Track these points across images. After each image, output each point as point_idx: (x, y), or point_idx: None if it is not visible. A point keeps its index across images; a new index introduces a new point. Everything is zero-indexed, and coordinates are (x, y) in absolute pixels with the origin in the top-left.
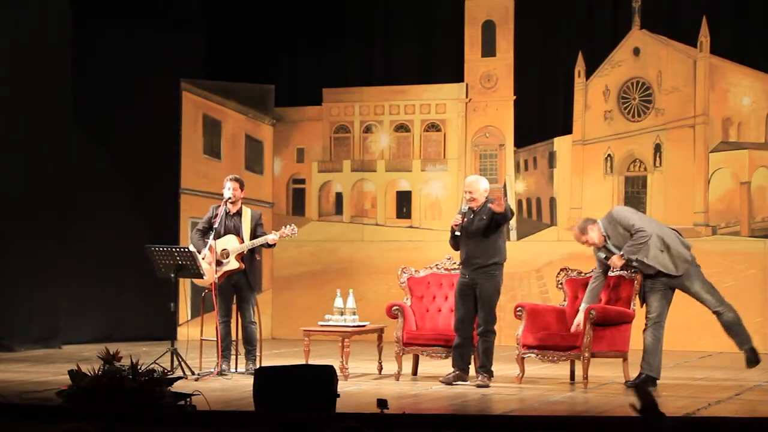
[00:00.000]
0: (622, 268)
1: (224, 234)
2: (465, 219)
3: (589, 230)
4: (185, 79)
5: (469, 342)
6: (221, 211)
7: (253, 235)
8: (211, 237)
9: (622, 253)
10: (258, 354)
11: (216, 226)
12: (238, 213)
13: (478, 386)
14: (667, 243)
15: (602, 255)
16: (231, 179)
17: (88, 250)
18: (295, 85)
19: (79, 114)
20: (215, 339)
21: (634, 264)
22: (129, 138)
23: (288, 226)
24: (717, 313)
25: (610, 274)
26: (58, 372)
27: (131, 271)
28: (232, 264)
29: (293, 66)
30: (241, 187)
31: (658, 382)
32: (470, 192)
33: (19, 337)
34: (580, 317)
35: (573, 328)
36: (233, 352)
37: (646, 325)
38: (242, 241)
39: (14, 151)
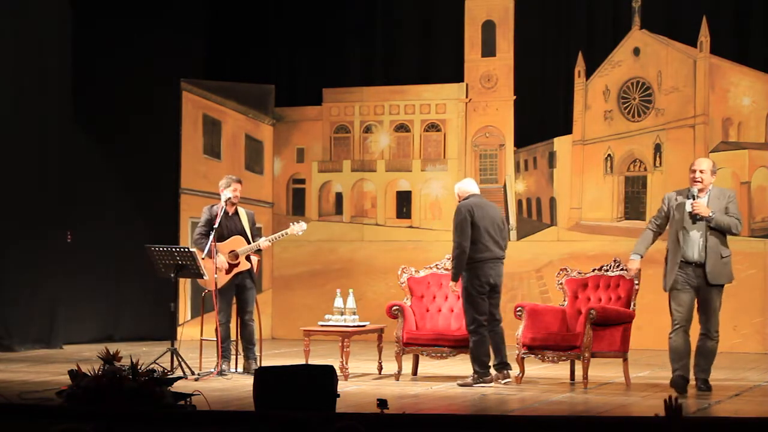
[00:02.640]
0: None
1: (228, 235)
2: None
3: (714, 173)
4: (185, 79)
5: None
6: (221, 212)
7: (251, 236)
8: (211, 237)
9: (714, 212)
10: (258, 354)
11: (216, 226)
12: (236, 213)
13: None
14: (729, 253)
15: (683, 199)
16: (236, 181)
17: (88, 250)
18: (295, 85)
19: (79, 114)
20: (215, 339)
21: (711, 225)
22: (129, 138)
23: (296, 223)
24: (707, 336)
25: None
26: (58, 372)
27: (131, 271)
28: (243, 264)
29: (293, 66)
30: None
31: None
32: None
33: (19, 337)
34: (634, 264)
35: (629, 267)
36: (233, 352)
37: (674, 330)
38: (248, 241)
39: (14, 151)
